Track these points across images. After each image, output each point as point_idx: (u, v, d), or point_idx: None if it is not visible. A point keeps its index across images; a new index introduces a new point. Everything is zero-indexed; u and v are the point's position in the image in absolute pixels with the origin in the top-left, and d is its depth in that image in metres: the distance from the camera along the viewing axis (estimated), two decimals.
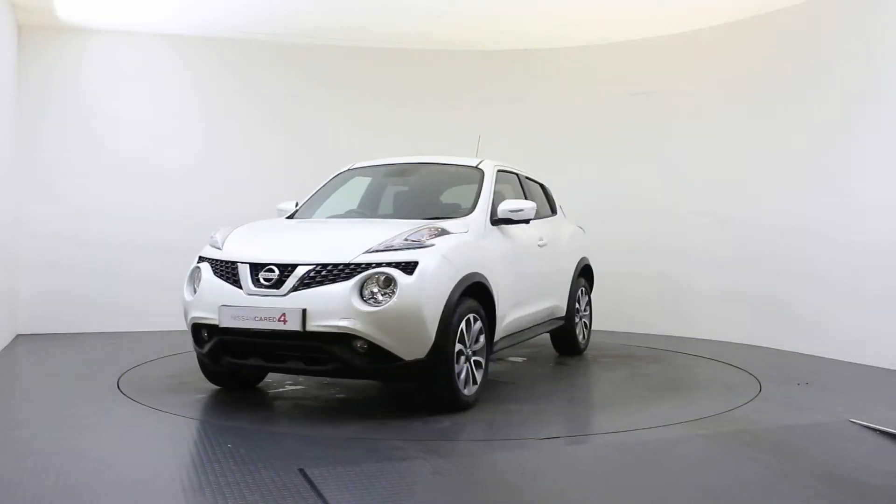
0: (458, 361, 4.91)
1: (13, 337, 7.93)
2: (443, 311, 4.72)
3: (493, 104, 9.39)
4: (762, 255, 7.87)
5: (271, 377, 6.04)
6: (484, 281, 5.16)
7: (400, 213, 5.97)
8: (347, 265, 4.67)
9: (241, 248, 5.08)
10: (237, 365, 5.02)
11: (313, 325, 4.58)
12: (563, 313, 7.00)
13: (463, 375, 4.97)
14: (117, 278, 8.43)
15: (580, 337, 7.33)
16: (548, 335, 7.17)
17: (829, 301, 7.23)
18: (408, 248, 4.77)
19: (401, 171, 6.51)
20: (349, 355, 4.64)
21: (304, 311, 4.59)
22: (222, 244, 5.21)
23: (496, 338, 5.46)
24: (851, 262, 7.02)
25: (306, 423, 4.85)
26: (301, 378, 6.10)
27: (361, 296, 4.60)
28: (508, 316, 5.69)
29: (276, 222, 5.88)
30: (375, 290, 4.60)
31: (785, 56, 7.75)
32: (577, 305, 7.21)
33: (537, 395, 5.70)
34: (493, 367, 6.80)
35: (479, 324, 5.10)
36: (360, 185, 6.58)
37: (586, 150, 9.12)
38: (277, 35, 8.84)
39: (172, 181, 8.73)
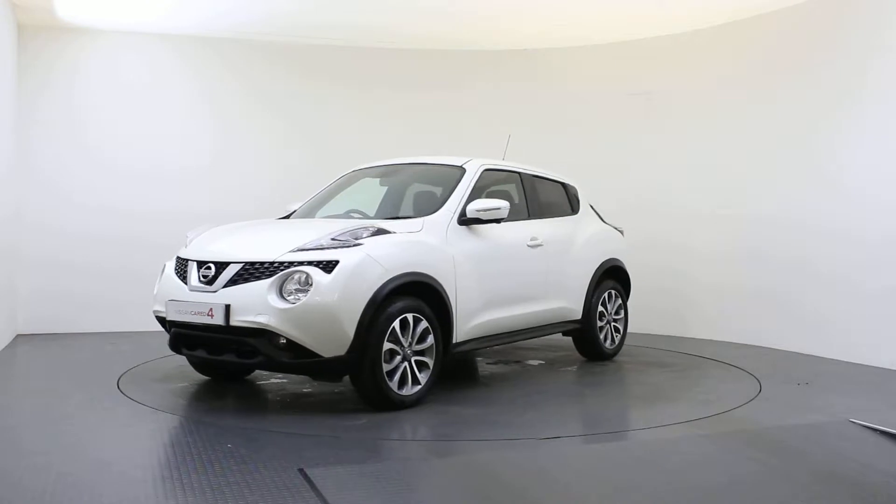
0: (390, 360, 4.95)
1: (13, 337, 7.93)
2: (364, 310, 4.76)
3: (493, 104, 9.39)
4: (762, 254, 7.87)
5: (274, 376, 6.05)
6: (431, 280, 5.17)
7: (382, 213, 6.04)
8: (272, 263, 4.85)
9: (199, 246, 5.33)
10: (190, 356, 5.38)
11: (236, 320, 4.78)
12: (577, 316, 6.75)
13: (398, 375, 4.99)
14: (117, 278, 8.43)
15: (607, 342, 7.05)
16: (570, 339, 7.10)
17: (829, 301, 7.23)
18: (332, 248, 4.87)
19: (393, 171, 6.56)
20: (272, 350, 4.78)
21: (228, 306, 4.80)
22: (189, 243, 5.48)
23: (458, 339, 5.44)
24: (851, 262, 7.02)
25: (306, 423, 4.85)
26: (298, 378, 6.11)
27: (281, 293, 4.74)
28: (478, 317, 5.61)
29: (255, 222, 5.97)
30: (293, 287, 4.74)
31: (785, 56, 7.75)
32: (599, 308, 6.94)
33: (533, 395, 5.70)
34: (502, 368, 6.80)
35: (423, 324, 5.11)
36: (366, 185, 6.61)
37: (586, 150, 9.12)
38: (277, 34, 8.84)
39: (173, 180, 8.73)
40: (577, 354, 7.20)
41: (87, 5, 7.82)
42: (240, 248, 5.13)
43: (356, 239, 4.94)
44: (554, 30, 8.74)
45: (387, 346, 4.91)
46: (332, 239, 4.93)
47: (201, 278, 5.03)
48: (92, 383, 5.88)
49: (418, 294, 5.14)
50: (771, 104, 7.84)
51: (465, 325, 5.51)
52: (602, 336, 7.00)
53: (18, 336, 8.07)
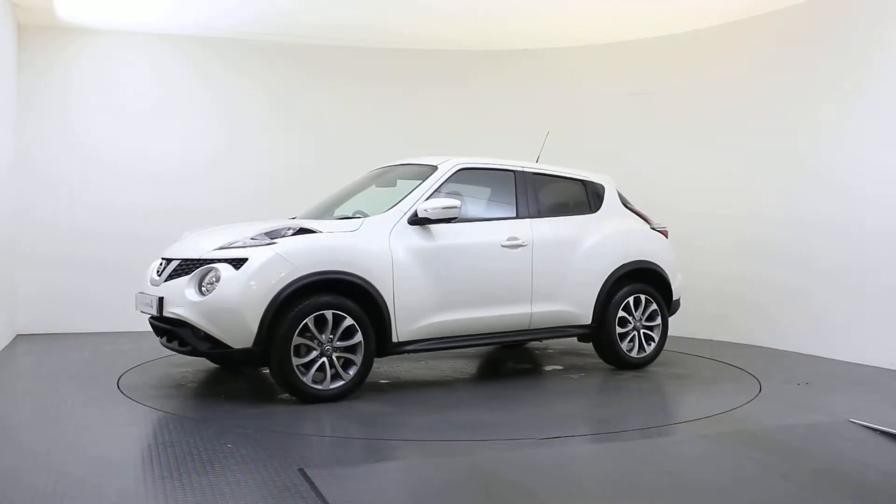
0: (304, 354, 5.15)
1: (13, 337, 7.93)
2: (268, 305, 5.01)
3: (493, 104, 9.39)
4: (762, 255, 7.86)
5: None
6: (356, 279, 5.28)
7: (358, 214, 6.04)
8: (197, 260, 5.29)
9: (176, 244, 5.87)
10: (162, 344, 5.70)
11: (166, 311, 5.27)
12: (585, 321, 6.39)
13: (314, 369, 5.18)
14: (118, 279, 8.42)
15: (633, 350, 6.59)
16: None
17: (829, 301, 7.23)
18: (247, 247, 5.20)
19: (383, 172, 6.63)
20: (193, 340, 5.21)
21: (161, 299, 5.30)
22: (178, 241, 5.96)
23: (400, 338, 5.51)
24: (852, 262, 7.02)
25: (306, 423, 4.85)
26: None
27: (200, 288, 5.15)
28: (429, 317, 5.61)
29: (238, 223, 6.06)
30: (207, 283, 5.14)
31: (785, 56, 7.75)
32: (621, 314, 6.49)
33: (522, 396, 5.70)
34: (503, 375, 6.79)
35: (347, 321, 5.23)
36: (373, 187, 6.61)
37: (586, 150, 9.11)
38: (277, 34, 8.83)
39: (173, 180, 8.73)
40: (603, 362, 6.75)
41: (87, 5, 7.82)
42: (187, 246, 5.62)
43: (273, 238, 5.22)
44: (555, 30, 8.74)
45: (298, 340, 5.10)
46: (251, 238, 5.25)
47: (157, 273, 5.60)
48: (92, 383, 5.88)
49: (344, 292, 5.28)
50: (771, 104, 7.84)
51: (411, 325, 5.54)
52: (626, 344, 6.55)
53: (18, 336, 8.07)
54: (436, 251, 5.68)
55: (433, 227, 5.71)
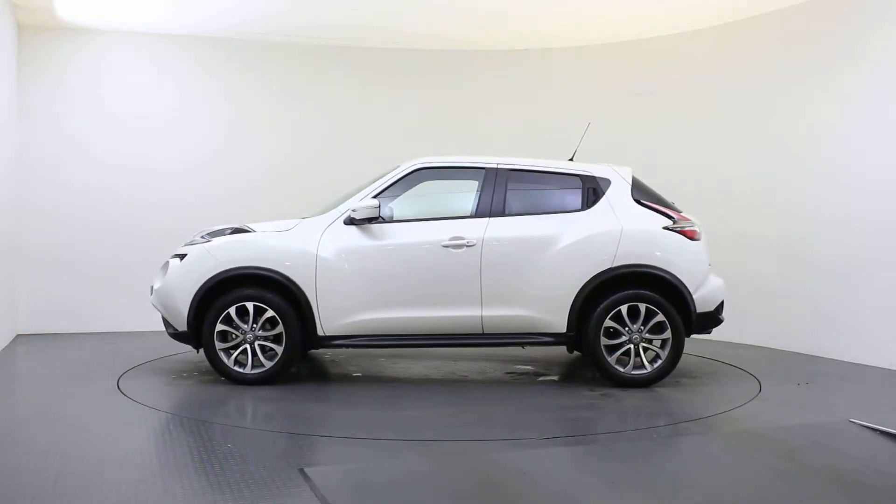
0: (227, 340, 5.75)
1: (13, 337, 7.93)
2: (194, 294, 5.72)
3: (492, 104, 9.39)
4: (762, 255, 7.86)
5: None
6: (275, 275, 5.72)
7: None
8: (176, 254, 5.98)
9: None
10: None
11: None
12: (558, 329, 5.91)
13: (235, 354, 5.74)
14: (118, 279, 8.42)
15: (627, 365, 5.93)
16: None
17: (829, 301, 7.23)
18: (192, 244, 5.95)
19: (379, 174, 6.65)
20: (164, 322, 6.03)
21: (152, 287, 6.06)
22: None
23: (326, 332, 5.79)
24: (851, 262, 7.02)
25: (306, 423, 4.85)
26: (298, 377, 6.11)
27: (163, 277, 5.94)
28: (357, 314, 5.77)
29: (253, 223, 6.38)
30: (163, 273, 5.96)
31: (785, 56, 7.74)
32: (608, 323, 5.85)
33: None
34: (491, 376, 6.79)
35: (269, 313, 5.70)
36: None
37: (586, 150, 9.10)
38: (277, 34, 8.82)
39: (174, 179, 8.71)
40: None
41: (87, 5, 7.82)
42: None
43: (212, 237, 5.91)
44: (555, 30, 8.74)
45: (221, 327, 5.72)
46: (200, 236, 5.98)
47: None
48: (92, 383, 5.87)
49: (268, 286, 5.76)
50: (771, 104, 7.84)
51: (338, 321, 5.78)
52: (615, 357, 5.90)
53: (18, 336, 8.07)
54: (371, 250, 5.83)
55: (375, 227, 5.85)
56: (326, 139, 9.17)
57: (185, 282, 5.76)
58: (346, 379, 6.26)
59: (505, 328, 5.94)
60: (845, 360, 7.00)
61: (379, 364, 6.84)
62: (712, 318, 6.16)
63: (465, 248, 5.88)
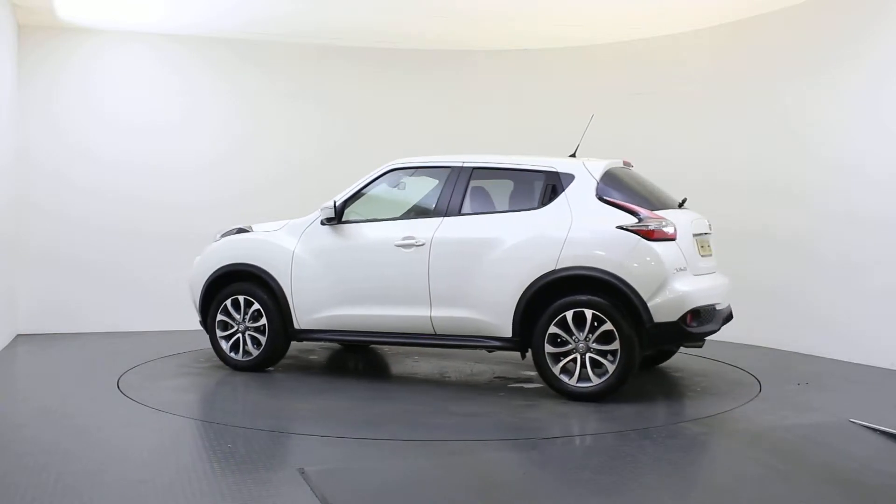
0: (225, 329, 6.32)
1: (13, 337, 7.92)
2: (203, 286, 6.40)
3: (492, 104, 9.38)
4: (762, 255, 7.86)
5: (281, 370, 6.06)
6: (258, 271, 6.20)
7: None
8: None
9: None
10: None
11: None
12: (503, 333, 5.55)
13: (230, 342, 6.28)
14: (118, 279, 8.42)
15: (573, 377, 5.34)
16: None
17: (829, 301, 7.23)
18: (212, 242, 6.62)
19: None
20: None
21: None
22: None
23: (301, 326, 6.13)
24: (851, 262, 7.02)
25: (306, 423, 4.85)
26: (300, 376, 6.11)
27: None
28: (326, 310, 6.04)
29: (267, 222, 6.83)
30: None
31: (785, 56, 7.74)
32: (553, 330, 5.35)
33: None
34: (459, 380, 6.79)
35: (255, 306, 6.19)
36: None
37: (586, 150, 9.11)
38: (276, 34, 8.82)
39: (173, 181, 8.70)
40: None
41: (87, 5, 7.82)
42: None
43: (222, 236, 6.58)
44: (555, 30, 8.73)
45: (220, 317, 6.31)
46: (221, 235, 6.62)
47: None
48: (92, 383, 5.88)
49: (256, 282, 6.23)
50: (771, 104, 7.83)
51: (310, 315, 6.08)
52: (560, 368, 5.38)
53: (18, 336, 8.07)
54: (337, 250, 6.08)
55: (345, 226, 6.09)
56: (327, 139, 9.17)
57: (198, 274, 6.47)
58: (347, 379, 6.26)
59: (454, 330, 5.76)
60: (845, 360, 7.00)
61: (382, 363, 6.85)
62: (676, 330, 5.32)
63: (414, 247, 5.78)
